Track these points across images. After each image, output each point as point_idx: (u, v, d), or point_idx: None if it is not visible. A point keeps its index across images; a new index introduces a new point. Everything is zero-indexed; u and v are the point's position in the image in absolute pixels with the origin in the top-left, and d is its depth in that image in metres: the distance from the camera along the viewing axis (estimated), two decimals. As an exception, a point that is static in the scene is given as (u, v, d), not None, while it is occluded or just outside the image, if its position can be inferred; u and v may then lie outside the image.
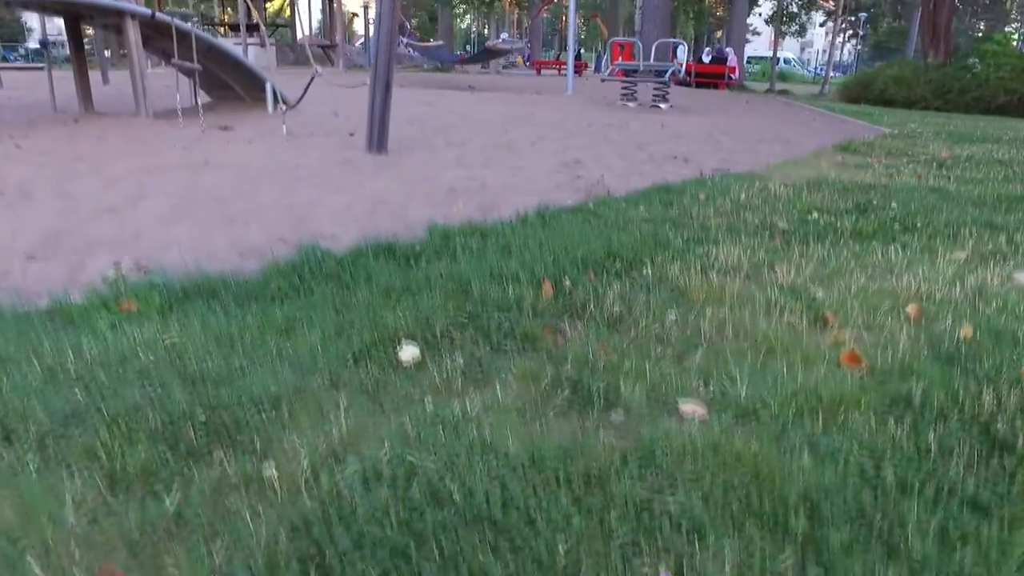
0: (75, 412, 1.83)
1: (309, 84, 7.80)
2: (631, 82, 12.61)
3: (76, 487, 1.55)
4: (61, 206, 4.23)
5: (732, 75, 23.47)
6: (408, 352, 2.19)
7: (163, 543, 1.39)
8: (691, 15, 36.53)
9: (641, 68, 12.61)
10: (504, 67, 31.26)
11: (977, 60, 17.97)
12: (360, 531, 1.38)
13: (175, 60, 7.51)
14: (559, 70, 29.20)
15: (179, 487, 1.55)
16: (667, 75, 11.99)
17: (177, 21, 7.43)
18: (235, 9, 24.59)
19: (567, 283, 2.78)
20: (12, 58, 28.62)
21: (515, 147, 7.25)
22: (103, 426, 1.75)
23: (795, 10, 33.72)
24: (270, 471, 1.59)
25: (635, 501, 1.51)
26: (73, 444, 1.69)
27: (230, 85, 9.50)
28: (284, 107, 7.53)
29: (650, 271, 3.05)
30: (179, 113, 7.86)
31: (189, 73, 8.22)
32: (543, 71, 30.57)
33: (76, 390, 1.94)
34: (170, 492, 1.53)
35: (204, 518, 1.45)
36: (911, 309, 2.76)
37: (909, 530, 1.47)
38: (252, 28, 19.62)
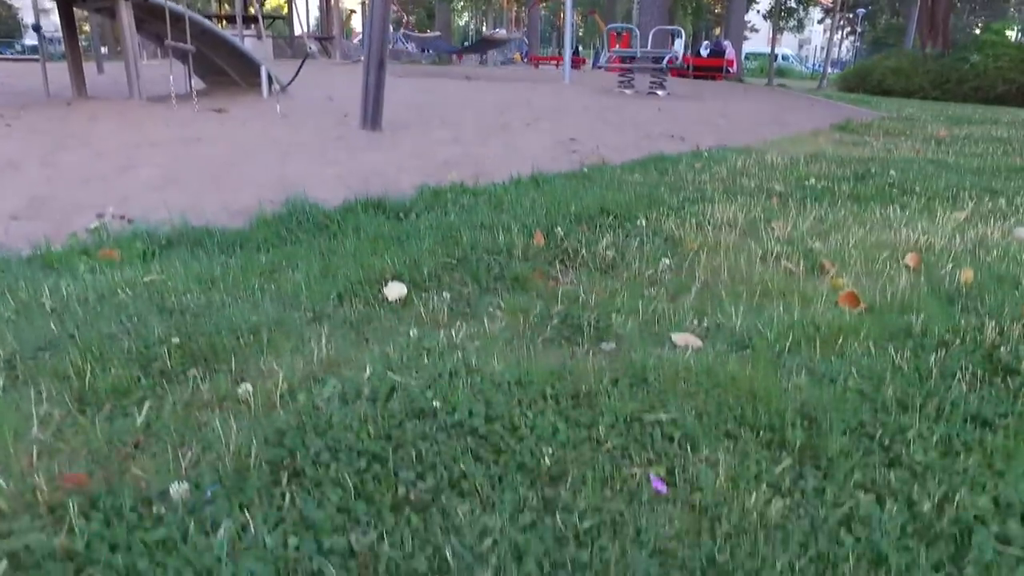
0: (47, 340, 1.77)
1: (303, 63, 7.74)
2: (628, 68, 12.53)
3: (43, 405, 1.48)
4: (49, 174, 4.16)
5: (730, 68, 23.38)
6: (394, 290, 2.13)
7: (130, 452, 1.33)
8: (689, 10, 36.46)
9: (639, 55, 12.52)
10: (502, 63, 31.15)
11: (976, 54, 17.91)
12: (335, 439, 1.32)
13: (168, 41, 7.44)
14: (557, 65, 29.09)
15: (150, 404, 1.49)
16: (664, 61, 11.91)
17: (171, 4, 7.36)
18: (231, 4, 24.51)
19: (559, 231, 2.72)
20: (9, 53, 28.53)
21: (511, 127, 7.18)
22: (75, 351, 1.68)
23: (793, 5, 33.69)
24: (245, 388, 1.53)
25: (625, 415, 1.45)
26: (43, 367, 1.63)
27: (225, 71, 9.42)
28: (278, 86, 7.46)
29: (644, 223, 2.99)
30: (172, 96, 7.78)
31: (183, 57, 8.14)
32: (540, 66, 30.46)
33: (50, 322, 1.87)
34: (140, 408, 1.47)
35: (174, 430, 1.39)
36: (910, 258, 2.70)
37: (911, 439, 1.41)
38: (249, 21, 19.53)
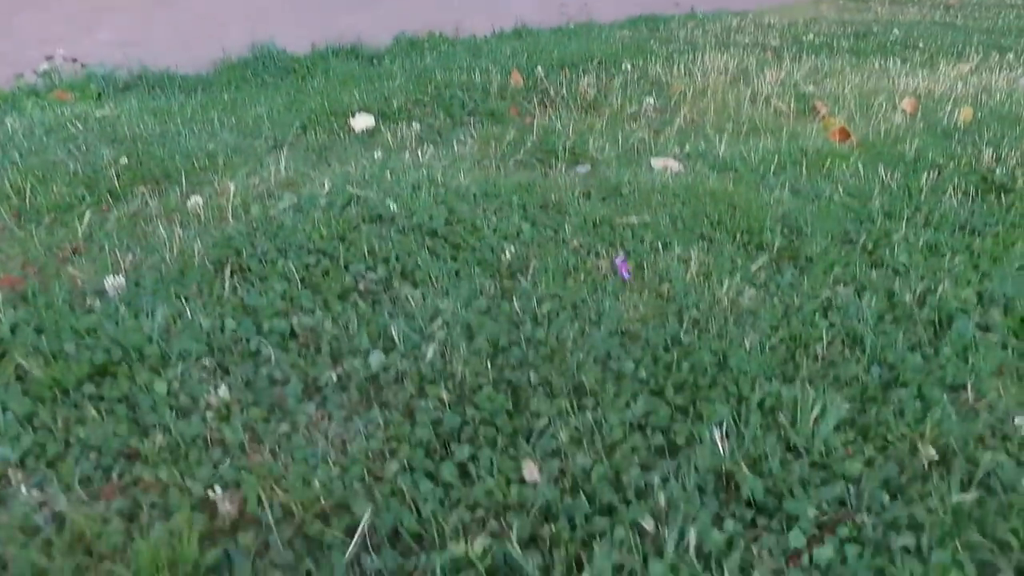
0: (-13, 166, 1.67)
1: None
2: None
3: (-21, 218, 1.40)
4: (2, 34, 3.94)
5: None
6: (361, 121, 2.01)
7: (68, 256, 1.26)
8: None
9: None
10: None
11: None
12: (285, 241, 1.24)
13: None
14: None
15: (92, 216, 1.40)
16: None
17: None
18: None
19: (539, 72, 2.57)
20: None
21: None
22: (16, 175, 1.58)
23: None
24: (195, 201, 1.44)
25: (594, 219, 1.37)
26: (-20, 187, 1.54)
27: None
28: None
29: (629, 68, 2.84)
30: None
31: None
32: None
33: (-8, 151, 1.77)
34: (82, 221, 1.38)
35: (116, 237, 1.31)
36: (907, 103, 2.56)
37: (895, 243, 1.34)
38: None
